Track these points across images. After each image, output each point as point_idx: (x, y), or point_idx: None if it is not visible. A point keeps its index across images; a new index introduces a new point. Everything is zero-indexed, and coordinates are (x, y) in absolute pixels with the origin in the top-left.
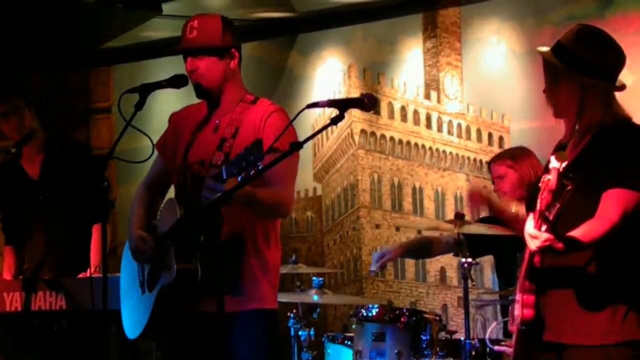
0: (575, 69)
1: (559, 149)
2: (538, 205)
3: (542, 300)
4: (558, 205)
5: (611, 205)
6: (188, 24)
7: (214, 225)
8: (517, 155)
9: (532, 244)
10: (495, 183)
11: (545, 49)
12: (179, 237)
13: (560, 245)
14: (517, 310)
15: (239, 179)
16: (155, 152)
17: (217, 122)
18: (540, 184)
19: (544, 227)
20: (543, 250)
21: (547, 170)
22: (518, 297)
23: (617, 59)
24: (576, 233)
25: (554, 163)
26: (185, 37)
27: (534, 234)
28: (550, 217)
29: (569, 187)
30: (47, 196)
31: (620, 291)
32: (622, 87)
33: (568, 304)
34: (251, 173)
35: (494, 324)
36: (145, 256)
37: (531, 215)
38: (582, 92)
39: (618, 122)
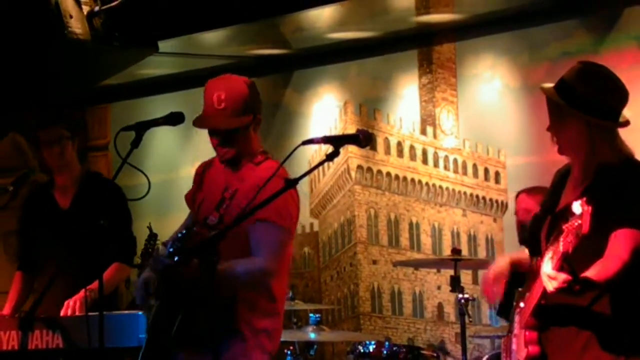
0: (580, 108)
1: (555, 187)
2: (561, 247)
3: (545, 337)
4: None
5: (621, 244)
6: (214, 94)
7: (209, 262)
8: None
9: (550, 285)
10: (519, 214)
11: (548, 85)
12: (166, 291)
13: (577, 287)
14: (516, 345)
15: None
16: (153, 189)
17: (228, 182)
18: (564, 227)
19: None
20: (560, 290)
21: (551, 211)
22: (517, 332)
23: (620, 96)
24: (589, 273)
25: (584, 207)
26: (213, 108)
27: (553, 275)
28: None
29: None
30: (74, 228)
31: (624, 329)
32: (626, 123)
33: (573, 341)
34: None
35: (485, 358)
36: (141, 303)
37: (548, 256)
38: (588, 131)
39: (622, 161)
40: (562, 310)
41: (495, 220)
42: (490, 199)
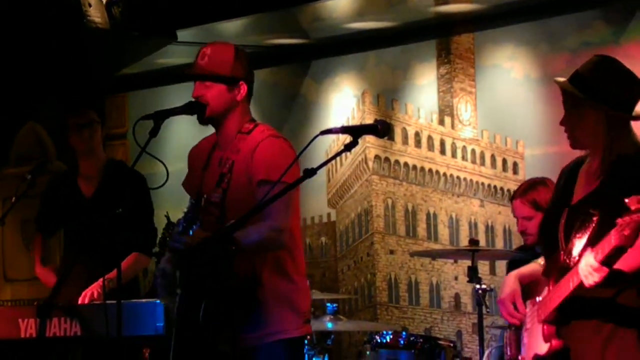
0: (598, 100)
1: (567, 178)
2: (613, 240)
3: (565, 330)
4: (587, 235)
5: None
6: (201, 51)
7: (227, 254)
8: (541, 192)
9: (591, 278)
10: (520, 222)
11: (562, 79)
12: (185, 282)
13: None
14: (528, 339)
15: None
16: (171, 178)
17: (221, 156)
18: (618, 221)
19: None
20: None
21: (566, 204)
22: (530, 326)
23: (637, 89)
24: (620, 266)
25: None
26: (196, 63)
27: (597, 268)
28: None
29: (595, 217)
30: (96, 216)
31: None
32: (639, 117)
33: (595, 334)
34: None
35: (488, 350)
36: (165, 294)
37: (590, 250)
38: (607, 123)
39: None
40: (585, 303)
41: (513, 211)
42: (508, 190)
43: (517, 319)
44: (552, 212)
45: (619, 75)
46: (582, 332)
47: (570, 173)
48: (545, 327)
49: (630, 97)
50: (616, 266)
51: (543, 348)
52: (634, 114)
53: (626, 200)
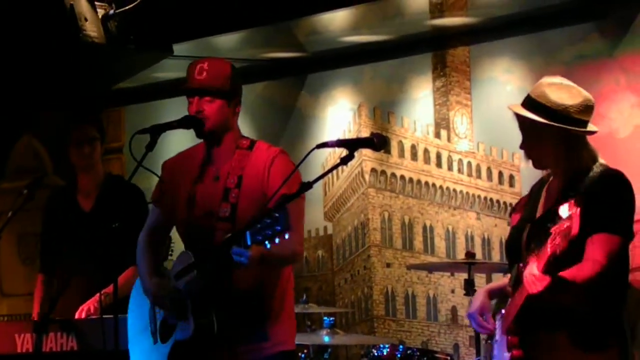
0: (556, 121)
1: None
2: (549, 249)
3: (528, 340)
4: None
5: (597, 248)
6: (197, 66)
7: (230, 265)
8: None
9: (534, 287)
10: None
11: (516, 106)
12: (195, 290)
13: (554, 286)
14: (497, 350)
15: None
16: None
17: (217, 170)
18: (552, 230)
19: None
20: (541, 293)
21: (529, 219)
22: (498, 337)
23: (588, 105)
24: (567, 275)
25: (572, 210)
26: (194, 78)
27: (539, 277)
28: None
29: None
30: (94, 231)
31: (600, 326)
32: (595, 132)
33: (553, 342)
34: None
35: None
36: (164, 303)
37: (533, 260)
38: (566, 142)
39: (596, 167)
40: (542, 313)
41: (509, 223)
42: (505, 202)
43: (486, 330)
44: (518, 227)
45: (570, 93)
46: (541, 341)
47: (537, 191)
48: (509, 337)
49: (584, 113)
50: (563, 275)
51: (507, 358)
52: (588, 128)
53: (559, 209)
